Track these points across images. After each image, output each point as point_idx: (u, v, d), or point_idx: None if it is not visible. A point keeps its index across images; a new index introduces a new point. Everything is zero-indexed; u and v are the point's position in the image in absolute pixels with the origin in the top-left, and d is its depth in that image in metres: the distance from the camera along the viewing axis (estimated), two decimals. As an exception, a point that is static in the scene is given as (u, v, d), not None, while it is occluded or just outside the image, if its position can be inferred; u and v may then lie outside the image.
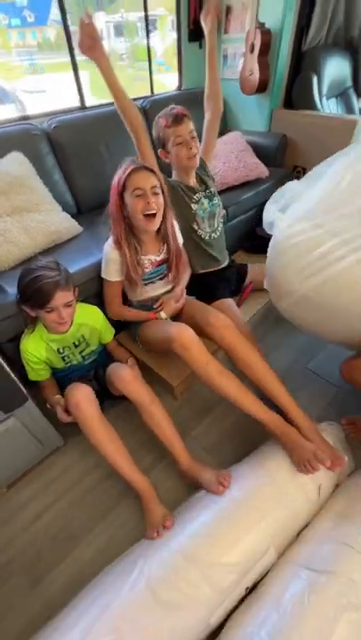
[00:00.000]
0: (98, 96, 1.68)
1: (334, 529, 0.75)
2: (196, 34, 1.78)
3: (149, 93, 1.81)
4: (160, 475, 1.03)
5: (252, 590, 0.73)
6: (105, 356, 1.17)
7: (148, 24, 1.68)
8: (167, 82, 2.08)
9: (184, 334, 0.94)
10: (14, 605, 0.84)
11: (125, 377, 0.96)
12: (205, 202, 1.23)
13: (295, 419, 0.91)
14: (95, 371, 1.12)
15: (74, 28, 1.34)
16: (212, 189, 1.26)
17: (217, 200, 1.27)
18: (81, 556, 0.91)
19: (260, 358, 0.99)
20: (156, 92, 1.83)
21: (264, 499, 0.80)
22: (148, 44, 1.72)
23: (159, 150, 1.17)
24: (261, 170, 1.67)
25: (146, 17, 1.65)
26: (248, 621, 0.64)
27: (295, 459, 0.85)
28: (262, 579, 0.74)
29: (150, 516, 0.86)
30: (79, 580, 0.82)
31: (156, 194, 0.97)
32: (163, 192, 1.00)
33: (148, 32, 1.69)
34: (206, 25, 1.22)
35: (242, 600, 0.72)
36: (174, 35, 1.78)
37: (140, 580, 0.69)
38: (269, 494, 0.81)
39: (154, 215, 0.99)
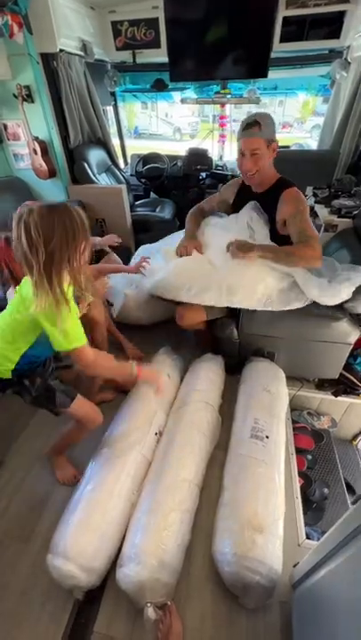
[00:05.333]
0: None
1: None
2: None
3: None
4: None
5: (160, 434, 1.32)
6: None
7: None
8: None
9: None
10: (19, 559, 1.10)
11: None
12: None
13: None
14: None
15: None
16: None
17: None
18: (52, 509, 1.23)
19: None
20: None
21: (146, 394, 1.41)
22: None
23: None
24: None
25: None
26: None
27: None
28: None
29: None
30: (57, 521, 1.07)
31: None
32: None
33: None
34: None
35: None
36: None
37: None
38: (147, 392, 1.42)
39: None
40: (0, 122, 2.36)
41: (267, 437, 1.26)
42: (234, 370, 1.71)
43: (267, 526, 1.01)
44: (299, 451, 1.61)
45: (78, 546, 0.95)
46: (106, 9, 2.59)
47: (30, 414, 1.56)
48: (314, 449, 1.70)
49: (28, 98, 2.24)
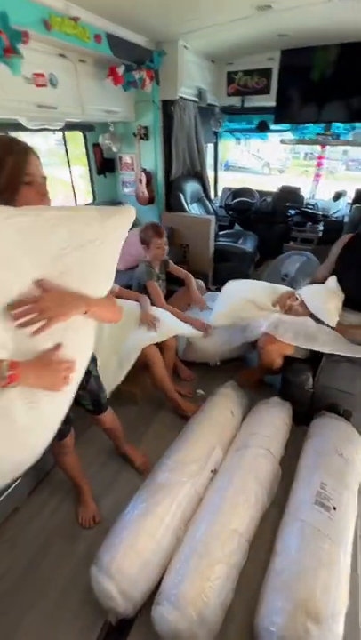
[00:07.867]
0: None
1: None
2: (100, 170, 2.72)
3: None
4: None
5: (215, 472, 1.27)
6: None
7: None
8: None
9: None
10: (63, 558, 1.15)
11: None
12: (162, 279, 2.06)
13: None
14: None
15: None
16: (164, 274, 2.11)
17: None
18: (102, 513, 1.27)
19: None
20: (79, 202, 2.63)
21: (208, 426, 1.40)
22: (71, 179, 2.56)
23: (143, 246, 1.93)
24: (162, 249, 2.55)
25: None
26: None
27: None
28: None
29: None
30: (105, 527, 1.13)
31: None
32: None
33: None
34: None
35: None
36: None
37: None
38: (209, 424, 1.42)
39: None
40: (118, 155, 2.73)
41: (334, 509, 1.12)
42: (300, 419, 1.58)
43: (325, 617, 0.87)
44: (368, 533, 1.38)
45: (122, 566, 0.95)
46: (224, 61, 2.85)
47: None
48: (387, 536, 1.44)
49: (145, 136, 2.55)
